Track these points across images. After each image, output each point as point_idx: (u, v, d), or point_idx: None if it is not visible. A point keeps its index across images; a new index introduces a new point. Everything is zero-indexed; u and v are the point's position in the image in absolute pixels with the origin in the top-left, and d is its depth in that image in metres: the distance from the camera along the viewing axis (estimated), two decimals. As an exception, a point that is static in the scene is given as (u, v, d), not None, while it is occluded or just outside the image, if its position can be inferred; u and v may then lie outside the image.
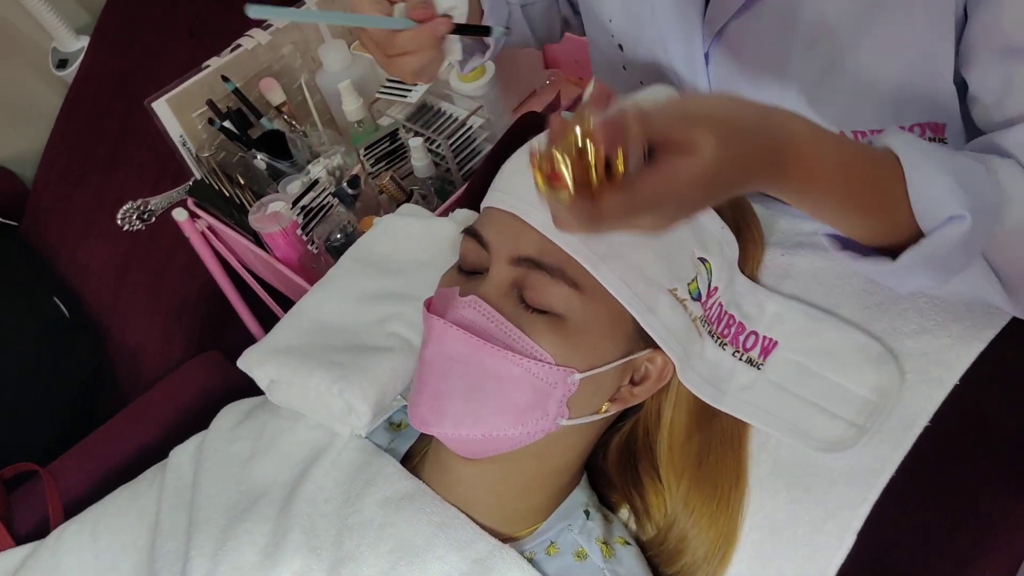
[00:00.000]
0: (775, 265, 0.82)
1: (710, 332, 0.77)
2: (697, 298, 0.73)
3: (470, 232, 0.74)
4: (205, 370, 1.35)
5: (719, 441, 0.76)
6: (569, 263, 0.68)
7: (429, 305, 0.73)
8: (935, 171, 0.59)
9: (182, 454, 0.92)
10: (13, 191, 1.87)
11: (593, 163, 0.48)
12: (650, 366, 0.74)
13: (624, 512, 0.82)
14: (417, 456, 0.84)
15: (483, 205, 0.76)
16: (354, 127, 1.26)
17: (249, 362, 0.88)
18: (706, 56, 0.82)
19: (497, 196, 0.73)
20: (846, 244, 0.66)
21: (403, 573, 0.72)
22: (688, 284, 0.72)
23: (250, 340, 1.54)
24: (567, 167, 0.48)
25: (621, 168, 0.49)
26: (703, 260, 0.73)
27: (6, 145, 1.88)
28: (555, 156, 0.48)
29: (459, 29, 0.76)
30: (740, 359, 0.78)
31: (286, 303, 1.34)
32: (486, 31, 0.77)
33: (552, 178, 0.48)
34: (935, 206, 0.59)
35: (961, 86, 0.70)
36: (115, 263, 1.62)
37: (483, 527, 0.74)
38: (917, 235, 0.60)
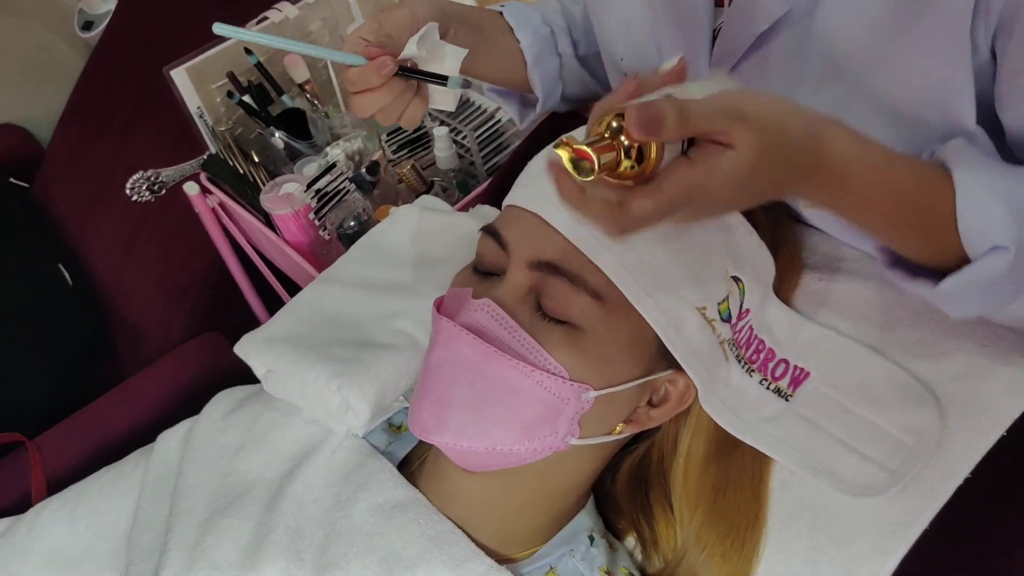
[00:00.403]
0: (812, 290, 0.77)
1: (738, 357, 0.73)
2: (727, 319, 0.69)
3: (489, 230, 0.70)
4: (205, 352, 1.31)
5: (739, 474, 0.72)
6: (592, 272, 0.63)
7: (439, 305, 0.69)
8: (987, 197, 0.56)
9: (170, 439, 0.88)
10: (29, 152, 1.85)
11: (625, 147, 0.47)
12: (671, 388, 0.69)
13: (630, 540, 0.78)
14: (415, 462, 0.80)
15: (505, 203, 0.72)
16: (378, 112, 1.22)
17: (246, 349, 0.84)
18: None
19: (521, 194, 0.69)
20: (896, 261, 0.62)
21: None
22: (719, 304, 0.68)
23: (254, 324, 1.50)
24: (597, 147, 0.46)
25: (653, 156, 0.47)
26: (736, 279, 0.69)
27: (25, 105, 1.86)
28: (589, 133, 0.47)
29: (407, 72, 0.71)
30: (768, 388, 0.73)
31: (293, 288, 1.30)
32: (441, 79, 0.72)
33: (580, 154, 0.46)
34: (982, 234, 0.56)
35: (987, 125, 0.65)
36: (124, 233, 1.58)
37: (479, 545, 0.70)
38: (966, 259, 0.57)
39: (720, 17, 0.75)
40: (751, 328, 0.73)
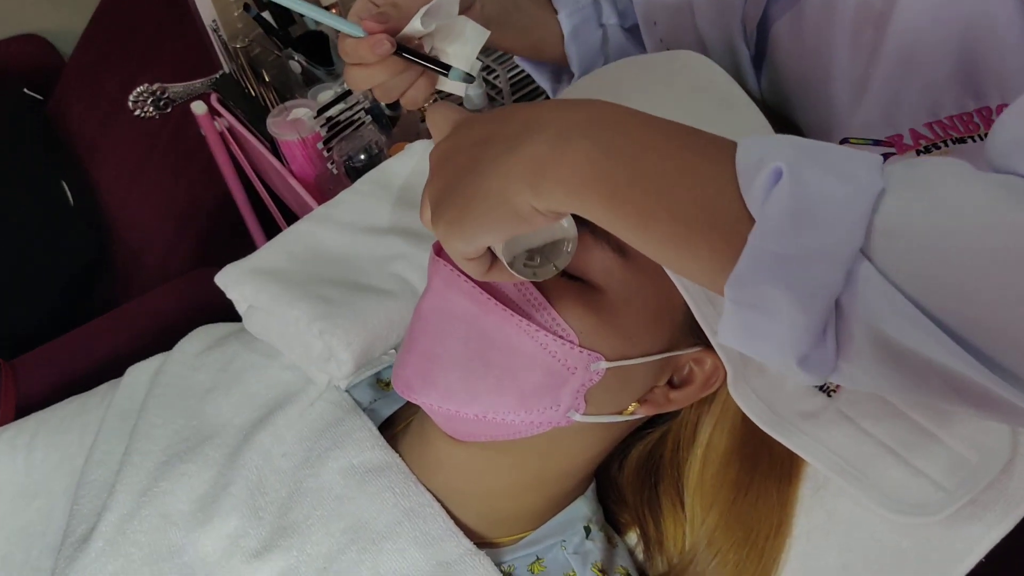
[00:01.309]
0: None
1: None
2: None
3: None
4: (200, 287, 1.24)
5: (764, 475, 0.63)
6: None
7: (438, 248, 0.60)
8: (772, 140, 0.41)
9: (139, 373, 0.82)
10: (48, 64, 1.79)
11: None
12: (696, 368, 0.61)
13: (632, 537, 0.69)
14: (399, 424, 0.72)
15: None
16: (409, 44, 1.13)
17: (226, 280, 0.76)
18: (753, 60, 0.70)
19: None
20: None
21: (351, 560, 0.61)
22: None
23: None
24: None
25: None
26: None
27: (50, 16, 1.80)
28: None
29: (404, 53, 0.61)
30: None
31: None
32: (442, 69, 0.61)
33: None
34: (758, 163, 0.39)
35: None
36: (135, 156, 1.52)
37: (459, 523, 0.62)
38: None
39: None
40: None
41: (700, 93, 0.61)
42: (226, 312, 1.23)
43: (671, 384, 0.61)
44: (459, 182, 0.45)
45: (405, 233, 0.78)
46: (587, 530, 0.65)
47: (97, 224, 1.49)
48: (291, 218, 1.23)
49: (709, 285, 0.42)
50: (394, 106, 1.04)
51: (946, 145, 0.59)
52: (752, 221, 0.38)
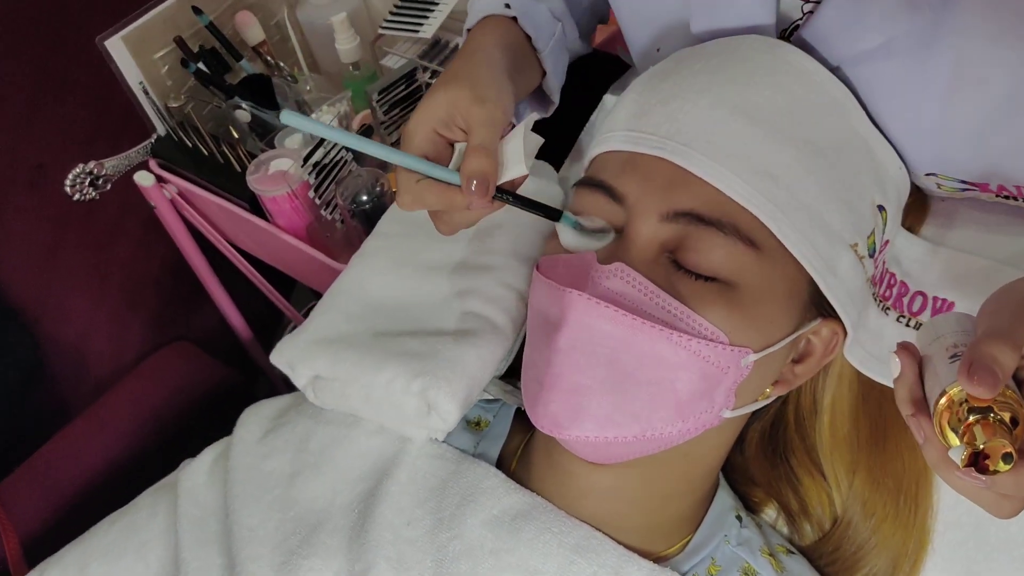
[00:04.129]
0: (935, 211, 0.72)
1: (872, 294, 0.67)
2: (872, 254, 0.63)
3: (593, 183, 0.61)
4: (177, 364, 1.18)
5: (895, 423, 0.66)
6: (743, 216, 0.56)
7: (558, 280, 0.59)
8: None
9: (195, 475, 0.77)
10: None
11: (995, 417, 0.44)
12: (814, 339, 0.63)
13: (770, 513, 0.72)
14: (511, 460, 0.71)
15: (600, 149, 0.64)
16: (348, 70, 1.10)
17: (291, 358, 0.72)
18: None
19: (630, 136, 0.60)
20: None
21: None
22: (868, 238, 0.62)
23: (223, 327, 1.37)
24: (987, 431, 0.44)
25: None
26: (881, 208, 0.63)
27: None
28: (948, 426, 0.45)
29: (507, 197, 0.61)
30: (907, 325, 0.68)
31: (281, 281, 1.17)
32: (552, 213, 0.61)
33: (993, 451, 0.43)
34: None
35: None
36: (40, 241, 1.39)
37: (626, 546, 0.63)
38: None
39: None
40: (883, 261, 0.67)
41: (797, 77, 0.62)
42: (213, 384, 1.18)
43: (793, 360, 0.64)
44: None
45: (460, 267, 0.77)
46: (739, 519, 0.67)
47: (17, 326, 1.36)
48: (271, 274, 1.18)
49: None
50: (366, 136, 1.01)
51: (1020, 200, 0.63)
52: None
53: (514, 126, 0.63)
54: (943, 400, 0.45)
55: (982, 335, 0.45)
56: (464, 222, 0.64)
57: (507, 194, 0.61)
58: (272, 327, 1.42)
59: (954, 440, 0.45)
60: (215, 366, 1.17)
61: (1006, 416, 0.43)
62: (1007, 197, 0.64)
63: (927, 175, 0.65)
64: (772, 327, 0.59)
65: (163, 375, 1.15)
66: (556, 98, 0.82)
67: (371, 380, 0.69)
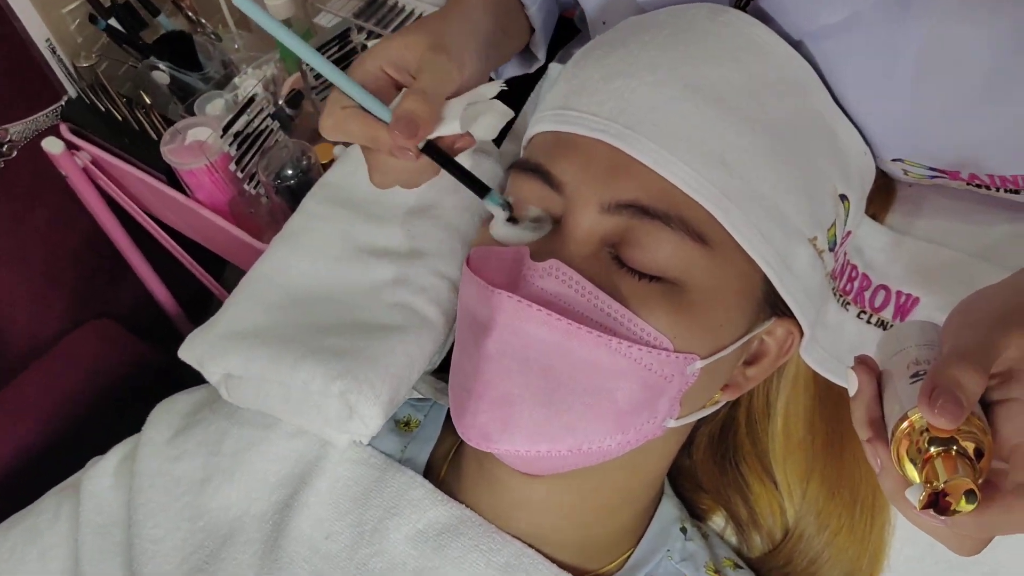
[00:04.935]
0: (901, 198, 0.67)
1: (832, 289, 0.62)
2: (832, 248, 0.58)
3: (528, 167, 0.55)
4: (95, 344, 1.11)
5: (853, 431, 0.61)
6: (692, 209, 0.51)
7: (485, 276, 0.54)
8: None
9: (100, 477, 0.71)
10: None
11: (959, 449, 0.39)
12: (768, 340, 0.59)
13: (718, 521, 0.67)
14: (440, 466, 0.66)
15: (537, 128, 0.57)
16: (279, 28, 1.02)
17: (200, 355, 0.66)
18: None
19: (567, 116, 0.54)
20: None
21: None
22: (828, 230, 0.57)
23: (150, 303, 1.30)
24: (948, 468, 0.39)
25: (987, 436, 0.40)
26: (843, 197, 0.57)
27: None
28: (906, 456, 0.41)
29: (434, 155, 0.56)
30: (868, 321, 0.63)
31: (204, 256, 1.10)
32: (478, 187, 0.57)
33: (956, 488, 0.39)
34: None
35: None
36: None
37: (559, 564, 0.58)
38: None
39: None
40: (845, 253, 0.62)
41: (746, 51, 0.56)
42: (137, 367, 1.11)
43: (745, 362, 0.59)
44: None
45: (390, 254, 0.70)
46: (683, 531, 0.63)
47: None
48: (191, 247, 1.10)
49: None
50: (295, 103, 0.94)
51: (998, 191, 0.58)
52: None
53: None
54: (903, 426, 0.41)
55: (947, 356, 0.40)
56: (397, 175, 0.60)
57: (439, 154, 0.56)
58: (205, 301, 1.35)
59: (913, 474, 0.40)
60: (137, 345, 1.10)
61: (970, 447, 0.39)
62: (978, 186, 0.59)
63: (893, 160, 0.60)
64: (722, 330, 0.53)
65: (79, 356, 1.07)
66: (541, 55, 0.77)
67: (287, 379, 0.63)
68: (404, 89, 0.57)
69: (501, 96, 0.61)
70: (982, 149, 0.55)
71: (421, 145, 0.56)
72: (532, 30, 0.74)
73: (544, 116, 0.57)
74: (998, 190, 0.58)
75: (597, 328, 0.50)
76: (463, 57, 0.59)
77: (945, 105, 0.54)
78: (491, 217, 0.58)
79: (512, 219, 0.56)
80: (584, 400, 0.52)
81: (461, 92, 0.59)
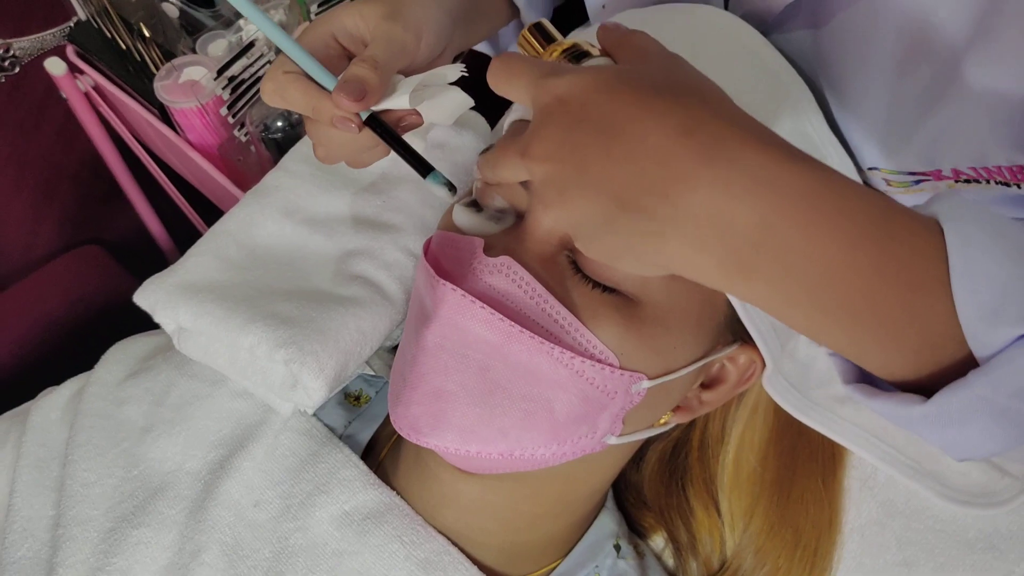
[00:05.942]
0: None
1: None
2: None
3: None
4: (79, 271, 1.10)
5: (806, 470, 0.60)
6: None
7: (436, 263, 0.52)
8: (1000, 258, 0.39)
9: (48, 410, 0.70)
10: None
11: None
12: (729, 365, 0.56)
13: (658, 541, 0.65)
14: (383, 446, 0.65)
15: (515, 115, 0.55)
16: (300, -28, 0.99)
17: (151, 301, 0.65)
18: None
19: None
20: (859, 373, 0.47)
21: None
22: None
23: (142, 232, 1.29)
24: None
25: None
26: None
27: None
28: None
29: (377, 129, 0.53)
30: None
31: (194, 195, 1.09)
32: (421, 167, 0.53)
33: None
34: (994, 317, 0.38)
35: None
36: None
37: (480, 565, 0.57)
38: (966, 360, 0.40)
39: None
40: None
41: (733, 58, 0.53)
42: (120, 295, 1.10)
43: (703, 385, 0.57)
44: (604, 179, 0.40)
45: (361, 223, 0.68)
46: (617, 548, 0.61)
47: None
48: (183, 185, 1.09)
49: (880, 371, 0.42)
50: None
51: (988, 184, 0.54)
52: (960, 342, 0.38)
53: None
54: None
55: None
56: (341, 149, 0.57)
57: (382, 127, 0.53)
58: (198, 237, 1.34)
59: None
60: (122, 276, 1.09)
61: None
62: (967, 181, 0.55)
63: (870, 169, 0.57)
64: (675, 352, 0.51)
65: (64, 279, 1.07)
66: (528, 17, 0.73)
67: (234, 340, 0.62)
68: (353, 59, 0.55)
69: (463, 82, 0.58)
70: (946, 142, 0.52)
71: (364, 115, 0.53)
72: (516, 11, 0.71)
73: (516, 109, 0.55)
74: (988, 183, 0.55)
75: (541, 334, 0.48)
76: (421, 30, 0.56)
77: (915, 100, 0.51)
78: (463, 199, 0.56)
79: (475, 205, 0.54)
80: (521, 406, 0.50)
81: (418, 69, 0.56)
